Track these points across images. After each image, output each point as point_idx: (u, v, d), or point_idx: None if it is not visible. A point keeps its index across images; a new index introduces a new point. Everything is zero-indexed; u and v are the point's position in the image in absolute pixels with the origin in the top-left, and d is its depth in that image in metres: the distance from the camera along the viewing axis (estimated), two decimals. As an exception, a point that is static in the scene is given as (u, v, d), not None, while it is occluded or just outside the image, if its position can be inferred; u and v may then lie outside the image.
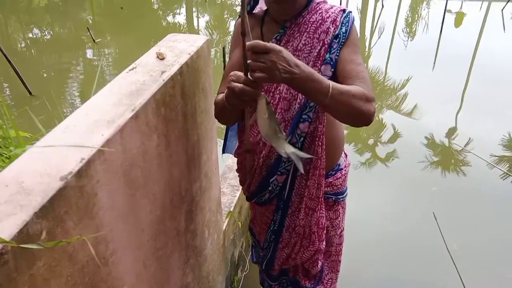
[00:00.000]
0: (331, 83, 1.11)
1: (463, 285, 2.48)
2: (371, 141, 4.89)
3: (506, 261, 3.02)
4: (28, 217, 0.76)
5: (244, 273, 2.76)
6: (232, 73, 1.09)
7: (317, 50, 1.29)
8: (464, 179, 4.14)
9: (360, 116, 1.15)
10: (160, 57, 1.30)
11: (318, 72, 1.28)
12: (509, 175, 3.19)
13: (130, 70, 1.25)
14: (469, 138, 4.62)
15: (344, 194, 1.57)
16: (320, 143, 1.35)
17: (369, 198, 3.67)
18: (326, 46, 1.28)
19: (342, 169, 1.52)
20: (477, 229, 3.34)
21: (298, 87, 1.08)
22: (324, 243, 1.52)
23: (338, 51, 1.29)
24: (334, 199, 1.53)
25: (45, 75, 6.13)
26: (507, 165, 4.32)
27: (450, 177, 4.18)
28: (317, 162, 1.37)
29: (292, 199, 1.45)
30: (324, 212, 1.48)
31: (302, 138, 1.35)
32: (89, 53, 7.03)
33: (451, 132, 4.93)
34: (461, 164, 4.40)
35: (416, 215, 3.51)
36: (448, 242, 3.16)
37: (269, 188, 1.45)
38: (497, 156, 4.35)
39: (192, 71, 1.36)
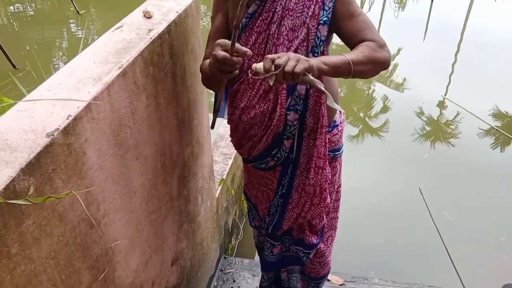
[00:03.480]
0: (351, 61, 1.14)
1: (445, 248, 2.54)
2: (362, 114, 4.89)
3: (499, 225, 3.08)
4: (14, 173, 0.73)
5: (238, 240, 2.78)
6: (217, 43, 1.12)
7: (311, 10, 1.24)
8: (454, 149, 4.18)
9: (381, 67, 1.22)
10: (147, 15, 1.25)
11: (316, 32, 1.25)
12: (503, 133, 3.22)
13: (116, 29, 1.20)
14: (457, 111, 4.63)
15: (341, 151, 1.57)
16: (323, 101, 1.34)
17: (361, 169, 3.69)
18: (320, 3, 1.24)
19: (338, 125, 1.52)
20: (469, 196, 3.39)
21: (324, 74, 1.15)
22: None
23: (332, 8, 1.24)
24: (332, 155, 1.52)
25: (28, 48, 5.96)
26: (494, 137, 4.35)
27: (441, 147, 4.21)
28: (323, 120, 1.36)
29: (300, 160, 1.45)
30: (329, 168, 1.49)
31: (302, 100, 1.33)
32: (74, 27, 6.84)
33: (442, 104, 4.94)
34: (450, 135, 4.43)
35: (408, 184, 3.55)
36: (440, 210, 3.23)
37: (278, 155, 1.44)
38: (483, 130, 4.38)
39: (180, 31, 1.32)
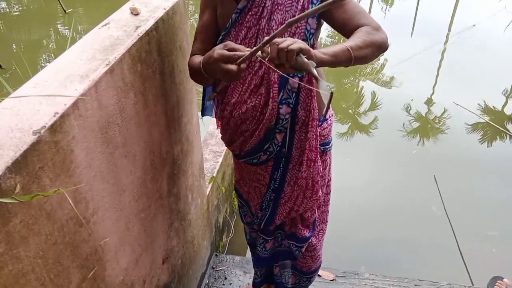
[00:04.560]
0: (349, 47, 1.12)
1: (456, 240, 2.56)
2: (351, 111, 4.92)
3: (487, 220, 3.13)
4: (0, 172, 0.72)
5: (229, 238, 2.78)
6: (218, 54, 1.09)
7: (300, 4, 1.25)
8: (442, 144, 4.22)
9: (380, 49, 1.20)
10: (134, 12, 1.24)
11: (306, 26, 1.26)
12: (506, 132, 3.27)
13: (102, 26, 1.19)
14: (444, 108, 4.68)
15: (330, 144, 1.58)
16: (314, 94, 1.35)
17: (351, 165, 3.71)
18: None
19: (327, 119, 1.53)
20: (457, 191, 3.43)
21: (327, 65, 1.14)
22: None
23: (320, 1, 1.25)
24: (323, 149, 1.54)
25: (14, 48, 5.89)
26: (481, 132, 4.41)
27: (429, 143, 4.26)
28: (314, 113, 1.37)
29: (293, 154, 1.45)
30: (320, 161, 1.50)
31: (294, 94, 1.34)
32: (61, 26, 6.77)
33: (429, 100, 4.99)
34: (438, 131, 4.48)
35: (397, 179, 3.58)
36: (429, 205, 3.27)
37: (270, 149, 1.44)
38: (470, 125, 4.43)
39: (168, 27, 1.31)
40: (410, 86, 5.17)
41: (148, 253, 1.40)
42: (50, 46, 6.14)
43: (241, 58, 1.06)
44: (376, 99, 5.06)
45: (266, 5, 1.27)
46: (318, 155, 1.46)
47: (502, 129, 2.79)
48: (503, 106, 4.88)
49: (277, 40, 1.01)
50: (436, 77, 5.43)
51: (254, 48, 1.05)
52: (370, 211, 3.19)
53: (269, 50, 1.03)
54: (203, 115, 1.63)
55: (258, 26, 1.28)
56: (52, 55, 5.72)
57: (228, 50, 1.09)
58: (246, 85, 1.34)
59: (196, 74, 1.30)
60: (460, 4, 7.83)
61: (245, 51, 1.08)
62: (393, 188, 3.49)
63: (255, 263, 1.92)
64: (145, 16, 1.24)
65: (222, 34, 1.33)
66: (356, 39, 1.15)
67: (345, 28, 1.24)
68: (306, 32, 1.26)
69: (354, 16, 1.22)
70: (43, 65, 5.48)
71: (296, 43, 1.01)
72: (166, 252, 1.57)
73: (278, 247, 1.76)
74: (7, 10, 7.62)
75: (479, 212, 3.21)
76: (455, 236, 2.64)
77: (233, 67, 1.07)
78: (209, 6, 1.36)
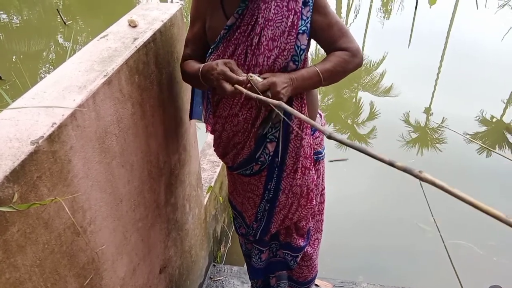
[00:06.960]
0: (319, 70, 1.28)
1: (446, 249, 2.56)
2: (349, 121, 4.94)
3: (486, 229, 3.12)
4: (-2, 181, 0.73)
5: (227, 248, 2.78)
6: (221, 71, 1.19)
7: (290, 20, 1.27)
8: (441, 155, 4.23)
9: (351, 72, 1.36)
10: (132, 24, 1.27)
11: (295, 41, 1.28)
12: (488, 149, 3.31)
13: (101, 38, 1.22)
14: (443, 118, 4.70)
15: (323, 153, 1.61)
16: (305, 103, 1.39)
17: (349, 175, 3.72)
18: (298, 14, 1.27)
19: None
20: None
21: (298, 91, 1.32)
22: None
23: (310, 18, 1.28)
24: (316, 158, 1.55)
25: (14, 60, 5.93)
26: (481, 141, 4.42)
27: (427, 153, 4.27)
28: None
29: (287, 162, 1.47)
30: (314, 170, 1.53)
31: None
32: (61, 37, 6.83)
33: (428, 110, 5.02)
34: (437, 141, 4.49)
35: (395, 189, 3.59)
36: (427, 213, 3.26)
37: (261, 159, 1.46)
38: (470, 134, 4.45)
39: (165, 39, 1.34)
40: (409, 96, 5.20)
41: (145, 262, 1.40)
42: (50, 57, 6.19)
43: (239, 89, 1.16)
44: (375, 109, 5.08)
45: (257, 21, 1.28)
46: (312, 163, 1.47)
47: (492, 150, 2.84)
48: (502, 115, 4.91)
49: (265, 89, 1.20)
50: (434, 88, 5.46)
51: (254, 95, 1.08)
52: (368, 220, 3.19)
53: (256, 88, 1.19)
54: (191, 118, 1.63)
55: (246, 43, 1.29)
56: (52, 66, 5.76)
57: (230, 69, 1.20)
58: (237, 98, 1.36)
59: (192, 78, 1.36)
60: (456, 16, 7.91)
61: (241, 75, 1.20)
62: (391, 198, 3.49)
63: (251, 275, 1.92)
64: (143, 28, 1.26)
65: (211, 48, 1.34)
66: (330, 69, 1.31)
67: (329, 49, 1.37)
68: (296, 48, 1.28)
69: (338, 39, 1.34)
70: (43, 76, 5.52)
71: (284, 97, 1.22)
72: (163, 262, 1.57)
73: (273, 258, 1.77)
74: (8, 21, 7.68)
75: (478, 222, 3.20)
76: (445, 246, 2.64)
77: (228, 87, 1.18)
78: (199, 18, 1.38)
